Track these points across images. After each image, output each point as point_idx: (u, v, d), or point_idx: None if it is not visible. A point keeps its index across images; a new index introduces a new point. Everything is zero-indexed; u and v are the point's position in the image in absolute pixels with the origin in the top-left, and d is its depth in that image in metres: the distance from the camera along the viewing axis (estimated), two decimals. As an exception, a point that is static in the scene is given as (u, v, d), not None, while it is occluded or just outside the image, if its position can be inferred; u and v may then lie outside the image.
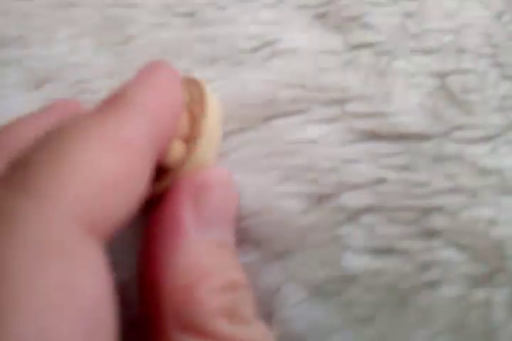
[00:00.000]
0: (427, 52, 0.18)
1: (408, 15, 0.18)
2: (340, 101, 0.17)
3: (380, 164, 0.16)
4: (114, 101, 0.13)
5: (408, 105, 0.17)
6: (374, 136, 0.17)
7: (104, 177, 0.11)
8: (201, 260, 0.13)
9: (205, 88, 0.17)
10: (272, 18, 0.19)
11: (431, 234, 0.15)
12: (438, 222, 0.15)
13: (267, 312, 0.16)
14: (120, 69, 0.20)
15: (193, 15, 0.20)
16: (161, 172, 0.16)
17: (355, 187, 0.16)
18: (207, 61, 0.19)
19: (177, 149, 0.15)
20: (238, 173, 0.17)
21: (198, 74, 0.18)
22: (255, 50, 0.19)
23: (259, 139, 0.17)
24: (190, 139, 0.16)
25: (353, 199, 0.16)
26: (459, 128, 0.16)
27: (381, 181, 0.16)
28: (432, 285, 0.15)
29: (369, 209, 0.16)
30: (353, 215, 0.16)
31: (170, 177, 0.15)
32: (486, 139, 0.16)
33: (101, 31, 0.21)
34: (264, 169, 0.17)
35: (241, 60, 0.19)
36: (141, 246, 0.15)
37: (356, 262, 0.15)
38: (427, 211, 0.15)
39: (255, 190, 0.17)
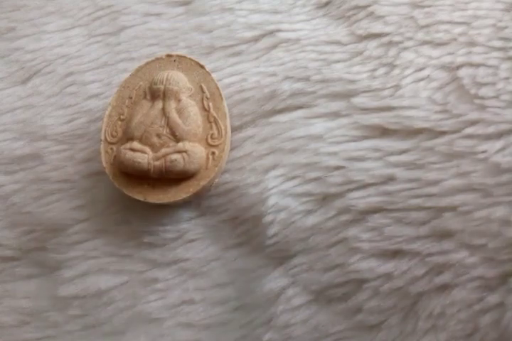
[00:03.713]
0: (437, 44, 0.17)
1: (417, 5, 0.18)
2: (346, 95, 0.17)
3: (388, 162, 0.16)
4: None
5: (418, 99, 0.16)
6: (382, 131, 0.16)
7: None
8: None
9: (215, 79, 0.16)
10: (272, 7, 0.19)
11: (442, 235, 0.15)
12: (450, 222, 0.15)
13: (268, 317, 0.15)
14: (112, 60, 0.19)
15: (189, 4, 0.19)
16: (190, 177, 0.15)
17: (363, 186, 0.15)
18: (204, 51, 0.18)
19: (202, 155, 0.16)
20: (238, 172, 0.16)
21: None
22: (255, 39, 0.18)
23: (259, 136, 0.17)
24: (211, 141, 0.16)
25: (360, 199, 0.15)
26: (471, 123, 0.16)
27: (390, 180, 0.15)
28: (444, 289, 0.14)
29: (377, 210, 0.15)
30: (361, 216, 0.15)
31: (201, 181, 0.16)
32: (498, 135, 0.16)
33: (92, 22, 0.20)
34: (265, 167, 0.16)
35: (240, 51, 0.18)
36: None
37: (364, 265, 0.15)
38: (439, 211, 0.15)
39: (257, 189, 0.16)
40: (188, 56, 0.17)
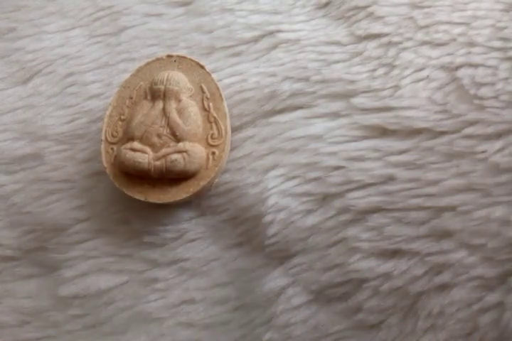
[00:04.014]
0: (436, 44, 0.17)
1: (416, 6, 0.18)
2: (346, 95, 0.17)
3: (388, 162, 0.16)
4: None
5: (417, 99, 0.16)
6: (382, 131, 0.16)
7: None
8: None
9: (215, 79, 0.16)
10: (272, 7, 0.19)
11: (442, 235, 0.15)
12: (449, 222, 0.15)
13: (268, 317, 0.15)
14: (113, 60, 0.19)
15: (189, 5, 0.19)
16: (190, 177, 0.16)
17: (362, 186, 0.15)
18: (204, 52, 0.18)
19: (202, 155, 0.16)
20: (238, 172, 0.16)
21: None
22: (255, 40, 0.18)
23: (259, 136, 0.17)
24: (212, 141, 0.16)
25: (359, 199, 0.15)
26: (470, 123, 0.16)
27: (390, 180, 0.15)
28: (443, 288, 0.14)
29: (377, 210, 0.15)
30: (360, 216, 0.15)
31: (201, 181, 0.16)
32: (497, 135, 0.16)
33: (93, 22, 0.20)
34: (265, 167, 0.16)
35: (240, 51, 0.18)
36: None
37: (363, 265, 0.15)
38: (438, 211, 0.15)
39: (257, 189, 0.16)
40: (189, 56, 0.17)
